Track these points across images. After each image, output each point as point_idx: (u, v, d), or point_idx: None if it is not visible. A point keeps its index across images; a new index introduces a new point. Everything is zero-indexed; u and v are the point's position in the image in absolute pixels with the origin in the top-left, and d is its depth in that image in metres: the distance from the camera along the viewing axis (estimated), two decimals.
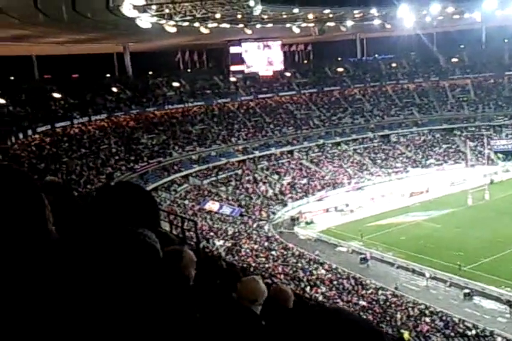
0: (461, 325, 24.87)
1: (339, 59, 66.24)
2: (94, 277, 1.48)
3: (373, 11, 48.11)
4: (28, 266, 1.59)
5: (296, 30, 48.60)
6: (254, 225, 40.37)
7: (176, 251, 2.90)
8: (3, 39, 36.78)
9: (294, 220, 42.66)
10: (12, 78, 43.13)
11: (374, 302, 27.81)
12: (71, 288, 1.49)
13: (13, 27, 30.66)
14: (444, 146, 58.30)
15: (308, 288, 28.56)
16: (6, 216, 1.64)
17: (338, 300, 27.24)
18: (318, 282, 30.19)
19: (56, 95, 42.30)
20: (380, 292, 29.13)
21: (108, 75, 52.29)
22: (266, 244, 36.22)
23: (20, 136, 35.40)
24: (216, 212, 41.10)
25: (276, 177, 50.47)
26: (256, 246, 35.09)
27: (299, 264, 32.88)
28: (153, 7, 33.11)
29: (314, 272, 31.72)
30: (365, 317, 24.40)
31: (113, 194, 1.63)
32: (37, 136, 38.35)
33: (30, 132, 36.92)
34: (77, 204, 4.68)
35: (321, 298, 26.94)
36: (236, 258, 30.95)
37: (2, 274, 1.64)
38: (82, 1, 25.33)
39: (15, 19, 27.84)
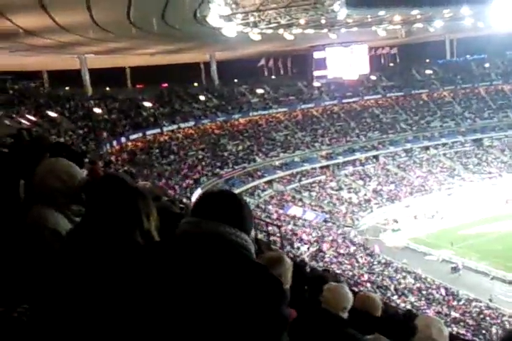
0: None
1: (427, 61, 63.85)
2: (191, 277, 1.55)
3: (464, 9, 45.96)
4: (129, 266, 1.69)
5: (382, 33, 47.57)
6: (339, 231, 39.88)
7: (277, 258, 3.01)
8: (100, 52, 39.24)
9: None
10: (107, 89, 45.73)
11: (467, 314, 26.49)
12: (166, 287, 1.57)
13: (108, 41, 32.62)
14: None
15: (395, 297, 27.78)
16: (114, 220, 1.76)
17: (428, 311, 26.23)
18: (406, 291, 29.27)
19: (147, 104, 44.33)
20: (473, 303, 27.70)
21: (196, 84, 53.99)
22: (351, 250, 35.67)
23: (115, 143, 37.43)
24: (300, 218, 41.08)
25: (361, 182, 49.58)
26: (341, 252, 34.65)
27: (386, 272, 32.04)
28: (239, 16, 33.82)
29: (402, 281, 30.78)
30: (456, 329, 23.32)
31: (211, 202, 1.71)
32: (129, 143, 40.38)
33: (123, 139, 38.96)
34: (170, 210, 4.88)
35: (409, 307, 26.07)
36: (320, 264, 30.72)
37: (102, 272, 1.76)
38: (171, 13, 26.38)
39: (110, 33, 29.59)
